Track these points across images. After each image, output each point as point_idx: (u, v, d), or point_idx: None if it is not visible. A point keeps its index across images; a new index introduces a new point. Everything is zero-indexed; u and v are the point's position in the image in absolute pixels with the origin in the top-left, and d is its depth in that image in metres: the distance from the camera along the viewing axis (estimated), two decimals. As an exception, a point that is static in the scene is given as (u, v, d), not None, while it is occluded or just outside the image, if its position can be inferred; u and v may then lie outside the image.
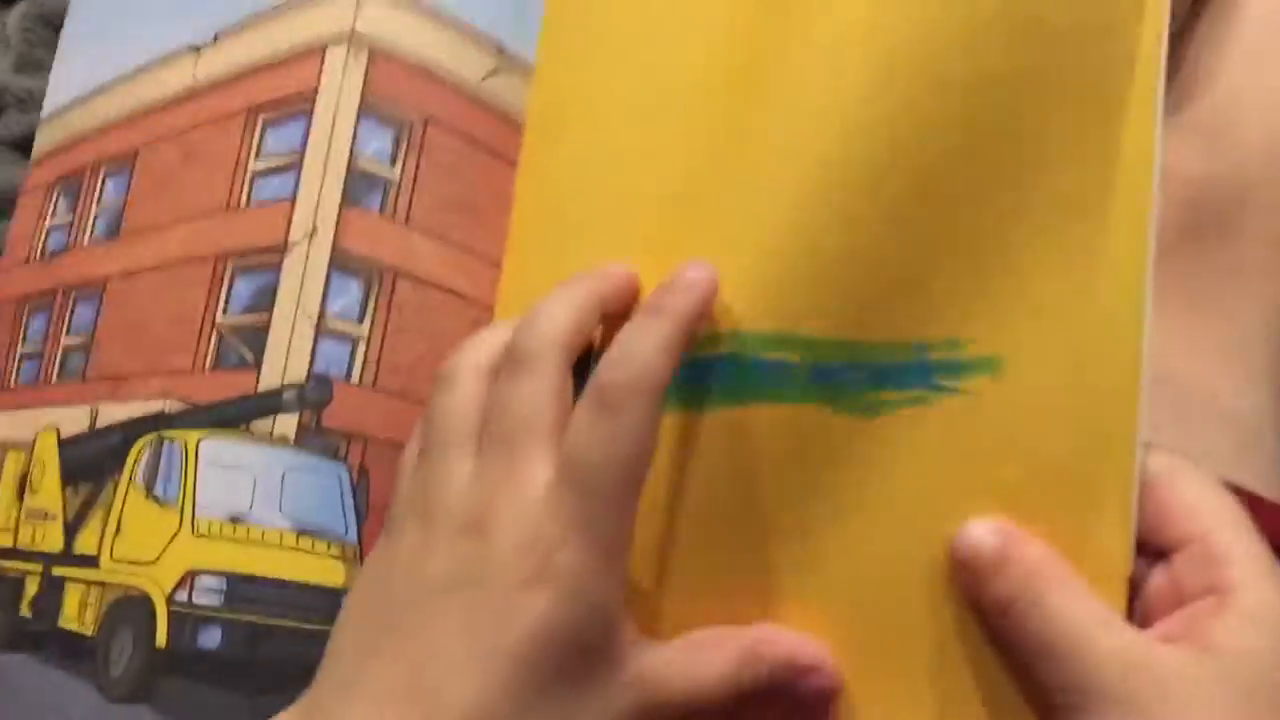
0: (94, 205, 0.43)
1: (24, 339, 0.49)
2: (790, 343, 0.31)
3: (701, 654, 0.29)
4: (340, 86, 0.40)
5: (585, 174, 0.36)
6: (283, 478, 0.41)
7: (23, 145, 0.58)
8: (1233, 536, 0.27)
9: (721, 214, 0.33)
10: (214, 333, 0.43)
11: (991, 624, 0.28)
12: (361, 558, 0.43)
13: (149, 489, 0.45)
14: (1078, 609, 0.27)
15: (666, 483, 0.31)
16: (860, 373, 0.31)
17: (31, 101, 0.59)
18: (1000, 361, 0.30)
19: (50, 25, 0.62)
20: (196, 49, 0.44)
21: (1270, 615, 0.26)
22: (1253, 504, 0.28)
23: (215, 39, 0.43)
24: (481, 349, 0.30)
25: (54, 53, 0.61)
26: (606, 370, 0.28)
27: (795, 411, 0.31)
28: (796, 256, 0.31)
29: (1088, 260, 0.29)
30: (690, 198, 0.34)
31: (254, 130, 0.41)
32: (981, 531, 0.29)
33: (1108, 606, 0.27)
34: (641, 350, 0.28)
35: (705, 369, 0.30)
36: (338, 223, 0.41)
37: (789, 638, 0.29)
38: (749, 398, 0.31)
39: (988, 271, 0.31)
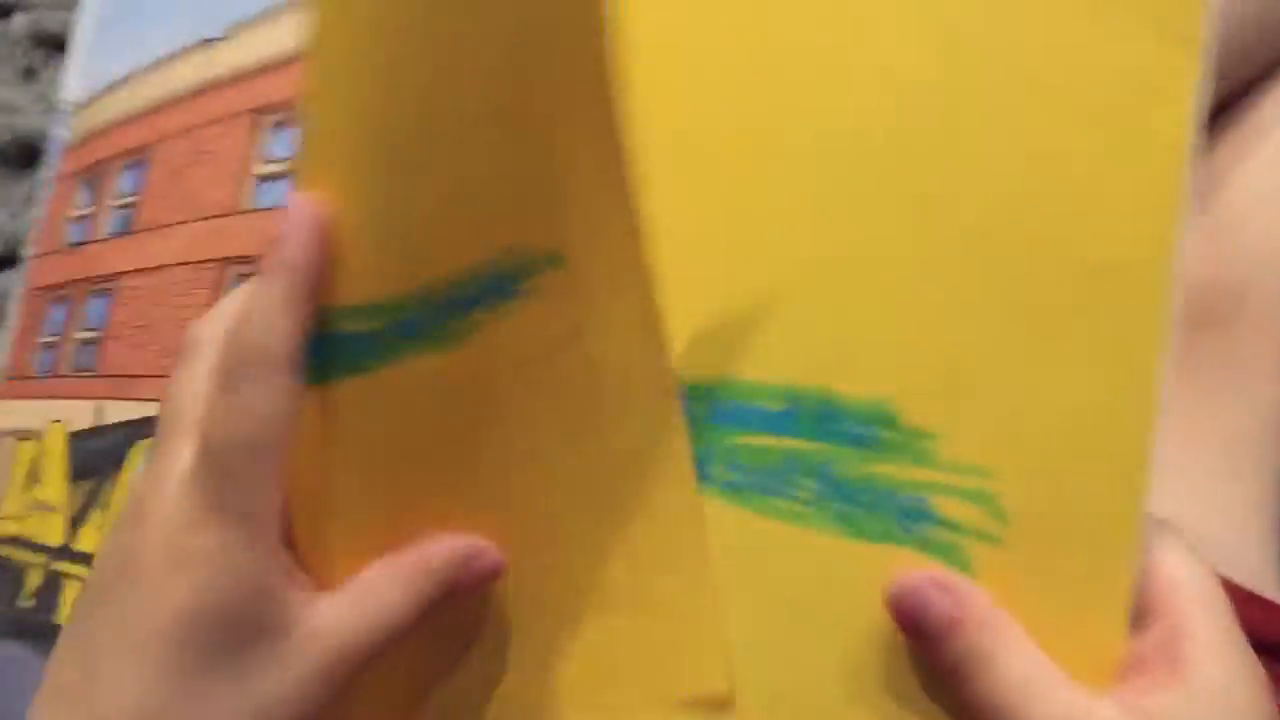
0: (111, 199, 0.42)
1: (44, 329, 0.49)
2: (367, 313, 0.30)
3: (372, 591, 0.29)
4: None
5: None
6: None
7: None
8: (1204, 615, 0.28)
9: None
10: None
11: (929, 673, 0.29)
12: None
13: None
14: (1025, 667, 0.27)
15: (319, 449, 0.30)
16: (437, 309, 0.30)
17: (19, 112, 0.57)
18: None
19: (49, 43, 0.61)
20: (209, 42, 0.43)
21: (1213, 696, 0.27)
22: (1244, 600, 0.30)
23: (227, 34, 0.42)
24: (223, 320, 0.29)
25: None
26: (226, 346, 0.27)
27: (404, 368, 0.30)
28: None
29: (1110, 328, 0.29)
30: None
31: (260, 132, 0.40)
32: (929, 589, 0.28)
33: (1052, 665, 0.27)
34: (255, 321, 0.27)
35: (312, 345, 0.29)
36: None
37: (444, 540, 0.30)
38: (349, 370, 0.30)
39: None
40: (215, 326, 0.28)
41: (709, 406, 0.33)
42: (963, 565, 0.30)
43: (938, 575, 0.29)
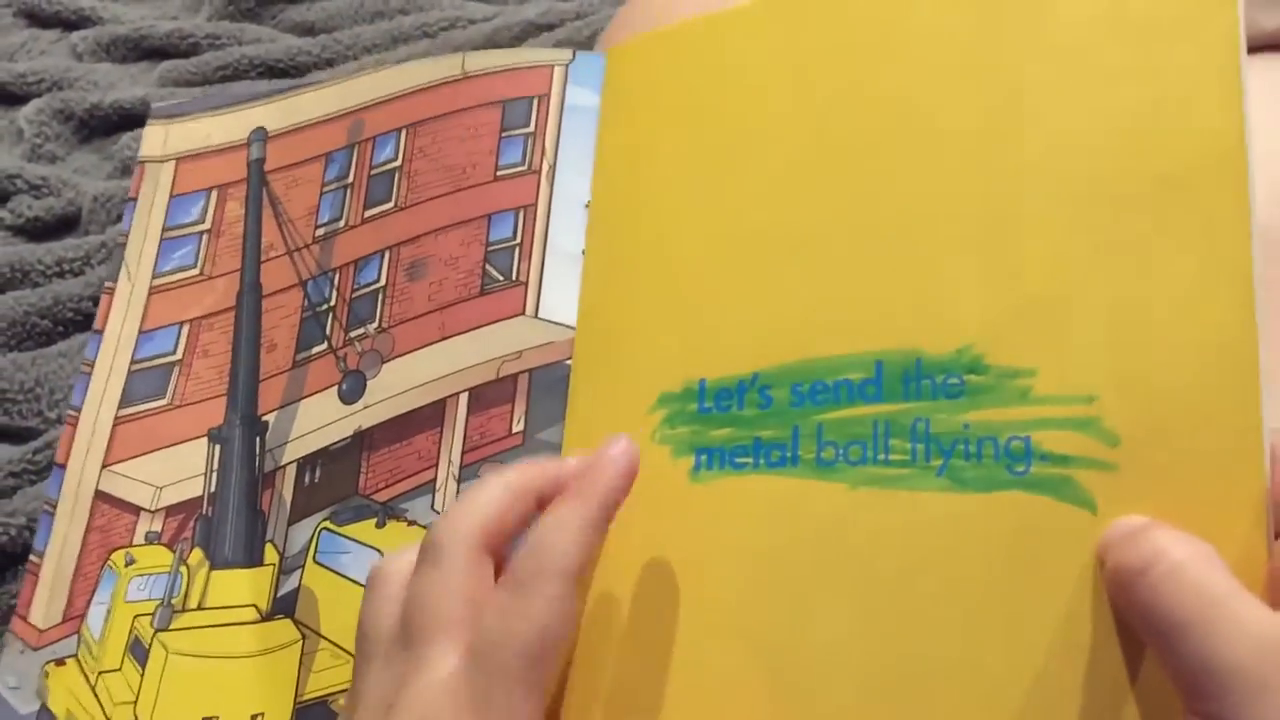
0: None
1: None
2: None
3: None
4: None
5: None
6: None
7: (30, 230, 0.60)
8: None
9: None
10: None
11: (1119, 598, 0.26)
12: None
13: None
14: (1214, 581, 0.24)
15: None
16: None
17: (46, 187, 0.61)
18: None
19: (67, 119, 0.66)
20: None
21: None
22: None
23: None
24: (406, 553, 0.30)
25: (67, 147, 0.66)
26: (520, 552, 0.28)
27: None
28: None
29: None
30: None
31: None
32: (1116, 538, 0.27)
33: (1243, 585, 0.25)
34: (555, 532, 0.28)
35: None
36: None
37: None
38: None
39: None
40: (455, 529, 0.29)
41: (789, 390, 0.32)
42: (1081, 500, 0.28)
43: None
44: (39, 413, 0.50)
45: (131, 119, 0.65)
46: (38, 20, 0.76)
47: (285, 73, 0.66)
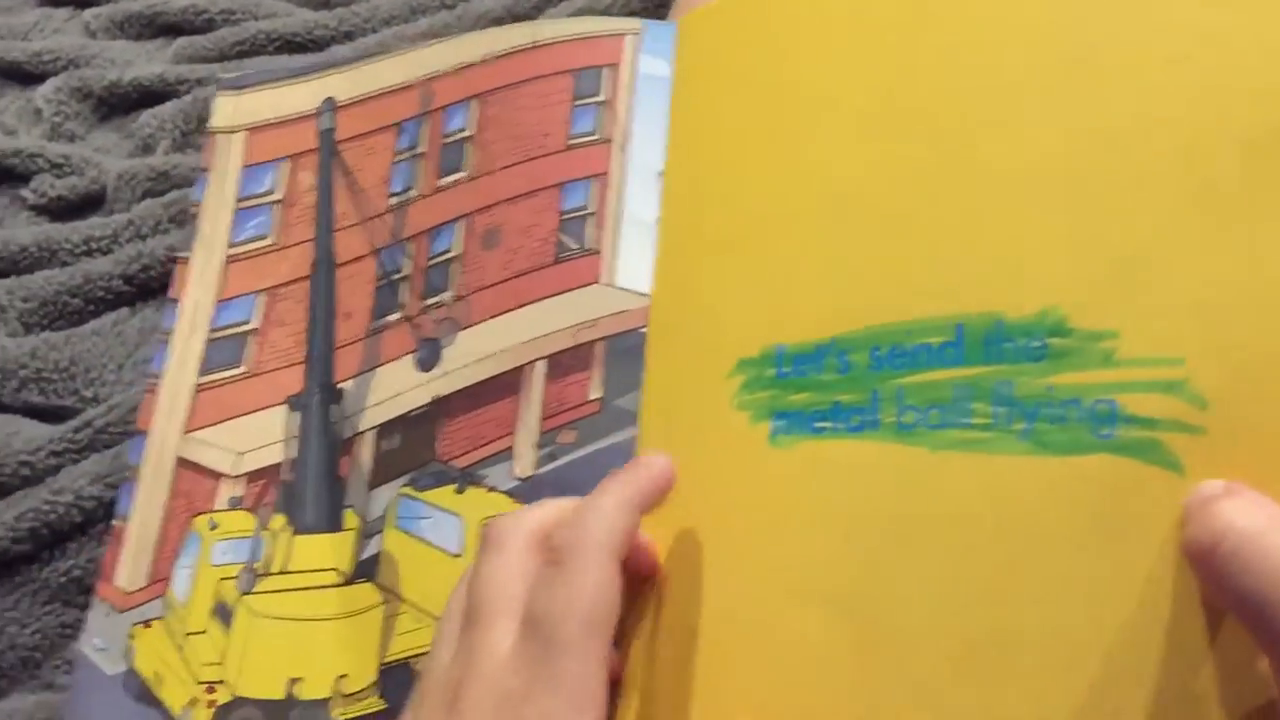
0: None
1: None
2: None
3: None
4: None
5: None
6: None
7: (53, 210, 0.60)
8: None
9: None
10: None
11: (1196, 570, 0.25)
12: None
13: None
14: None
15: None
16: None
17: (68, 166, 0.61)
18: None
19: (85, 97, 0.65)
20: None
21: None
22: None
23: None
24: (529, 518, 0.31)
25: (86, 125, 0.65)
26: (560, 528, 0.29)
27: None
28: None
29: None
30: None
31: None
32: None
33: None
34: (592, 511, 0.29)
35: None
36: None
37: None
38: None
39: None
40: (516, 524, 0.30)
41: (869, 355, 0.32)
42: (1168, 463, 0.27)
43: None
44: (75, 391, 0.50)
45: (150, 96, 0.64)
46: (49, -1, 0.76)
47: (303, 47, 0.65)
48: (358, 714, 0.35)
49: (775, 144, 0.36)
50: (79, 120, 0.66)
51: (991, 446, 0.30)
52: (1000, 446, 0.30)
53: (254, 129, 0.44)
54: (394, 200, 0.41)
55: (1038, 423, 0.30)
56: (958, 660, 0.29)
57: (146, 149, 0.61)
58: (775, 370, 0.34)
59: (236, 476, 0.39)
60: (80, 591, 0.42)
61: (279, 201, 0.43)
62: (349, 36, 0.64)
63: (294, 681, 0.35)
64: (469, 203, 0.40)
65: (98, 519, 0.42)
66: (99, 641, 0.38)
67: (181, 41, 0.68)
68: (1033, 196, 0.31)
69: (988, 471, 0.30)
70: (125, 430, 0.44)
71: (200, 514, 0.39)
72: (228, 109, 0.45)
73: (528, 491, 0.37)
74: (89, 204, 0.60)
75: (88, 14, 0.73)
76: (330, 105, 0.43)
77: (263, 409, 0.40)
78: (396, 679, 0.35)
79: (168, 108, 0.59)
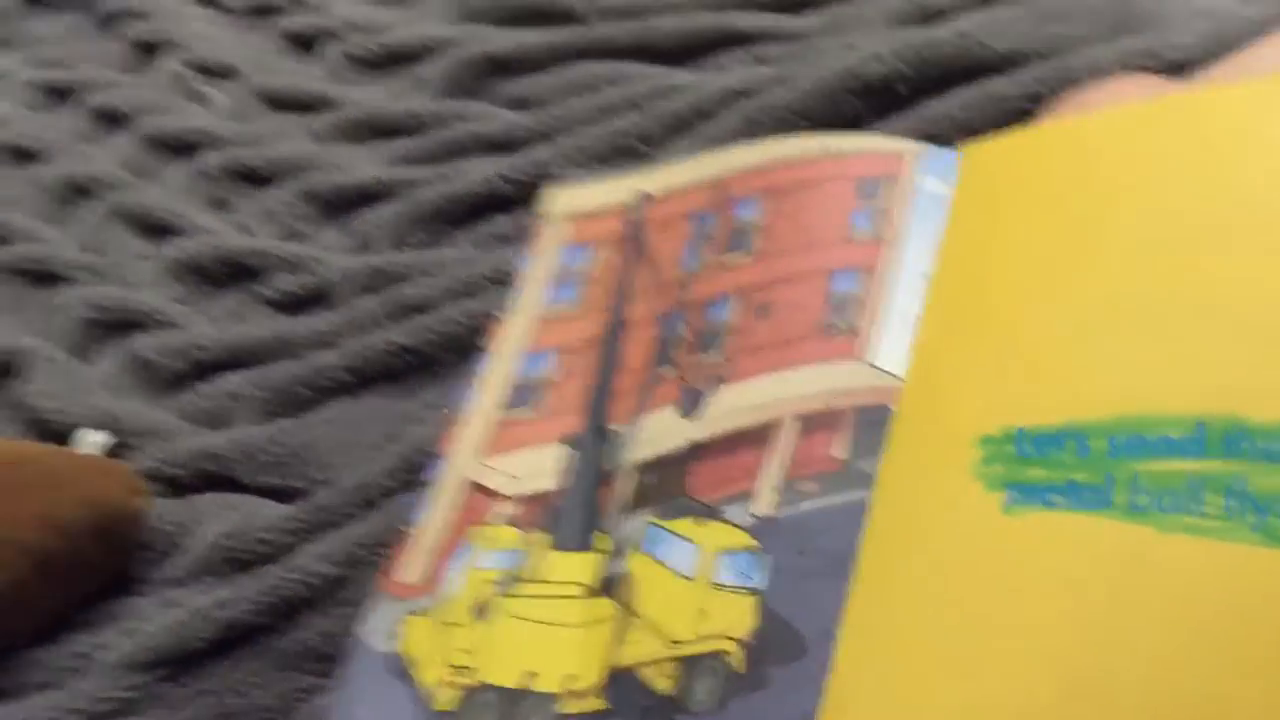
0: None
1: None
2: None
3: None
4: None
5: None
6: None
7: (283, 304, 0.63)
8: None
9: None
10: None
11: None
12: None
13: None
14: None
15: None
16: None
17: (301, 265, 0.64)
18: None
19: (312, 200, 0.70)
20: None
21: None
22: None
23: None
24: None
25: (314, 225, 0.69)
26: None
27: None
28: None
29: None
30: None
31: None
32: None
33: None
34: None
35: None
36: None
37: None
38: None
39: None
40: None
41: (1107, 441, 0.33)
42: None
43: None
44: (305, 475, 0.53)
45: (367, 196, 0.68)
46: (276, 104, 0.82)
47: (505, 146, 0.68)
48: (580, 711, 0.38)
49: (1039, 259, 0.38)
50: (307, 221, 0.71)
51: (1222, 535, 0.30)
52: (1231, 535, 0.30)
53: (577, 218, 0.51)
54: (681, 273, 0.46)
55: (1270, 517, 0.29)
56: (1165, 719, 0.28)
57: (365, 246, 0.66)
58: (1015, 448, 0.35)
59: (512, 498, 0.44)
60: (314, 660, 0.46)
61: (588, 277, 0.49)
62: (545, 136, 0.68)
63: (530, 675, 0.39)
64: (747, 279, 0.44)
65: (324, 594, 0.47)
66: (374, 623, 0.43)
67: (397, 145, 0.73)
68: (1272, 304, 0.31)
69: (1216, 556, 0.30)
70: (350, 512, 0.49)
71: (476, 526, 0.44)
72: (556, 200, 0.52)
73: (762, 529, 0.39)
74: (315, 299, 0.65)
75: (315, 121, 0.79)
76: (643, 199, 0.49)
77: (544, 444, 0.45)
78: (619, 684, 0.38)
79: (385, 212, 0.66)
